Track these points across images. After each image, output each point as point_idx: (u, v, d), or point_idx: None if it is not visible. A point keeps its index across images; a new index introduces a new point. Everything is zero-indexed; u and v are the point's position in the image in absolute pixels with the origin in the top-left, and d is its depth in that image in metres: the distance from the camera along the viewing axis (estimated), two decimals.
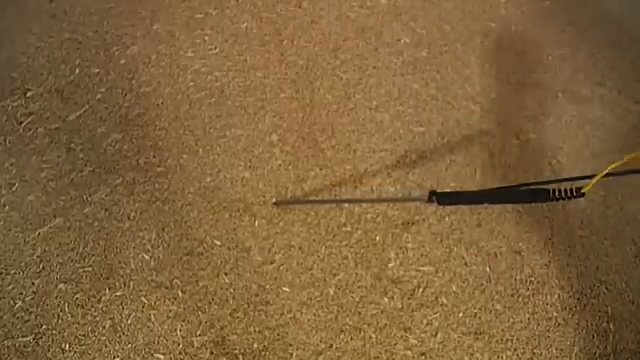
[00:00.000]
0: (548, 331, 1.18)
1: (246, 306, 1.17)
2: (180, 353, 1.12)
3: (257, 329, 1.15)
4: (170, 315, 1.16)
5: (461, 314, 1.19)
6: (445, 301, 1.20)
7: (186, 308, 1.16)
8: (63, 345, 1.12)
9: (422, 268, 1.23)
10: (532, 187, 0.80)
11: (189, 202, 1.28)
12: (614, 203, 1.33)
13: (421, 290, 1.21)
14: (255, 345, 1.14)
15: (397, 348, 1.15)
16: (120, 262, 1.20)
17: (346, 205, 1.29)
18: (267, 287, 1.19)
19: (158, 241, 1.23)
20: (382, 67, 1.49)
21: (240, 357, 1.13)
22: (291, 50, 1.51)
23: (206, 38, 1.52)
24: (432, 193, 0.91)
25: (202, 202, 1.28)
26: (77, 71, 1.44)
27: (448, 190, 1.29)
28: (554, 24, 1.61)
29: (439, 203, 0.91)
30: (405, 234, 1.26)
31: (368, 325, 1.17)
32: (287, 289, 1.19)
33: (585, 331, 1.18)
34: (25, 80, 1.42)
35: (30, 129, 1.35)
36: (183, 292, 1.18)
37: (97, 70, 1.45)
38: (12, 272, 1.18)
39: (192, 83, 1.44)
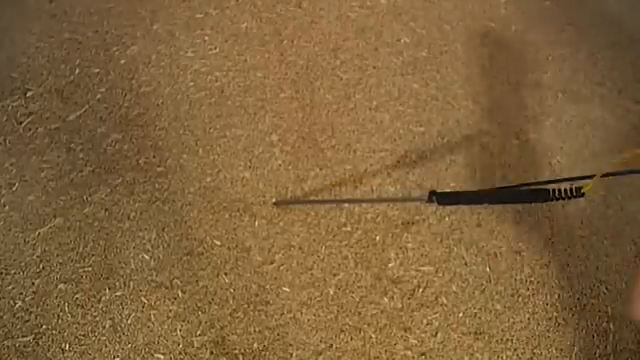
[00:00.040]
0: (548, 331, 1.18)
1: (246, 306, 1.17)
2: (180, 353, 1.12)
3: (257, 329, 1.15)
4: (170, 315, 1.16)
5: (461, 314, 1.19)
6: (445, 301, 1.20)
7: (186, 308, 1.16)
8: (63, 345, 1.12)
9: (422, 268, 1.23)
10: (532, 187, 0.80)
11: (189, 202, 1.28)
12: (614, 203, 1.33)
13: (421, 290, 1.21)
14: (255, 345, 1.14)
15: (397, 348, 1.15)
16: (120, 262, 1.20)
17: (346, 205, 1.29)
18: (267, 287, 1.19)
19: (158, 241, 1.23)
20: (382, 67, 1.49)
21: (240, 357, 1.13)
22: (291, 50, 1.51)
23: (206, 38, 1.52)
24: (432, 193, 0.91)
25: (202, 202, 1.28)
26: (77, 71, 1.44)
27: (448, 190, 1.29)
28: (554, 24, 1.61)
29: (439, 203, 0.91)
30: (405, 234, 1.26)
31: (368, 325, 1.17)
32: (287, 289, 1.19)
33: (585, 331, 1.18)
34: (25, 80, 1.42)
35: (30, 129, 1.35)
36: (183, 292, 1.18)
37: (97, 70, 1.45)
38: (12, 272, 1.18)
39: (192, 83, 1.44)
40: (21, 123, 1.36)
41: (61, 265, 1.19)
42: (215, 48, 1.50)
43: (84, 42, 1.49)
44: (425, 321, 1.17)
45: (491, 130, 1.41)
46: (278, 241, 1.24)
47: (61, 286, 1.17)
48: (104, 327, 1.14)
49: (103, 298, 1.16)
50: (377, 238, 1.26)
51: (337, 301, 1.19)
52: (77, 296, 1.16)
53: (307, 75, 1.47)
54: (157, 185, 1.30)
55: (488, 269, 1.24)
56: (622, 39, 1.58)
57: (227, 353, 1.13)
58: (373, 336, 1.16)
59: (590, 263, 1.25)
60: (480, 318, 1.18)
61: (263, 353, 1.13)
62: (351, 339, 1.15)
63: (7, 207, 1.25)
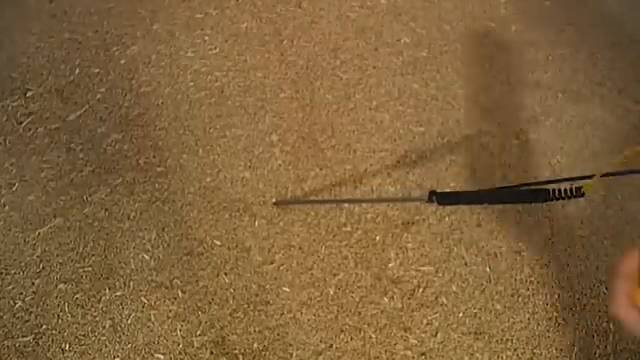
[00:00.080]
0: (548, 331, 1.18)
1: (246, 306, 1.17)
2: (180, 353, 1.12)
3: (257, 329, 1.15)
4: (170, 315, 1.16)
5: (461, 314, 1.19)
6: (445, 301, 1.20)
7: (186, 308, 1.16)
8: (63, 345, 1.12)
9: (422, 268, 1.23)
10: (532, 187, 0.80)
11: (189, 202, 1.28)
12: (614, 203, 1.33)
13: (421, 290, 1.21)
14: (255, 345, 1.14)
15: (397, 348, 1.15)
16: (120, 262, 1.20)
17: (346, 205, 1.29)
18: (267, 287, 1.19)
19: (158, 241, 1.23)
20: (382, 67, 1.49)
21: (240, 357, 1.13)
22: (291, 50, 1.51)
23: (206, 38, 1.52)
24: (432, 193, 0.91)
25: (202, 202, 1.28)
26: (77, 71, 1.44)
27: (448, 190, 1.29)
28: (554, 24, 1.61)
29: (439, 203, 0.91)
30: (405, 234, 1.26)
31: (368, 325, 1.17)
32: (287, 289, 1.19)
33: (585, 331, 1.18)
34: (25, 80, 1.42)
35: (30, 129, 1.35)
36: (183, 292, 1.18)
37: (97, 70, 1.45)
38: (12, 272, 1.18)
39: (192, 83, 1.44)
40: (21, 123, 1.36)
41: (61, 265, 1.19)
42: (215, 48, 1.50)
43: (84, 42, 1.49)
44: (425, 321, 1.17)
45: (491, 130, 1.41)
46: (278, 241, 1.24)
47: (61, 286, 1.17)
48: (104, 327, 1.14)
49: (103, 298, 1.16)
50: (377, 238, 1.26)
51: (337, 301, 1.19)
52: (77, 296, 1.16)
53: (307, 75, 1.47)
54: (157, 185, 1.30)
55: (488, 269, 1.24)
56: (622, 39, 1.58)
57: (227, 353, 1.13)
58: (373, 336, 1.16)
59: (590, 263, 1.25)
60: (480, 318, 1.18)
61: (263, 353, 1.13)
62: (351, 339, 1.15)
63: (7, 207, 1.25)
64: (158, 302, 1.17)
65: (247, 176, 1.32)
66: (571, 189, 0.73)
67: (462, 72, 1.50)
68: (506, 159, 1.37)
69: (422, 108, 1.43)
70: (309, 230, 1.26)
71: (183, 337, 1.14)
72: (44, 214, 1.25)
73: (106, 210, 1.26)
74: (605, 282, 1.23)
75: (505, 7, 1.62)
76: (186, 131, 1.37)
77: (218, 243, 1.23)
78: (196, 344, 1.13)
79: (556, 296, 1.21)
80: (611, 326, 1.19)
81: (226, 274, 1.20)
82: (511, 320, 1.19)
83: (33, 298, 1.16)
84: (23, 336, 1.12)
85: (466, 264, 1.24)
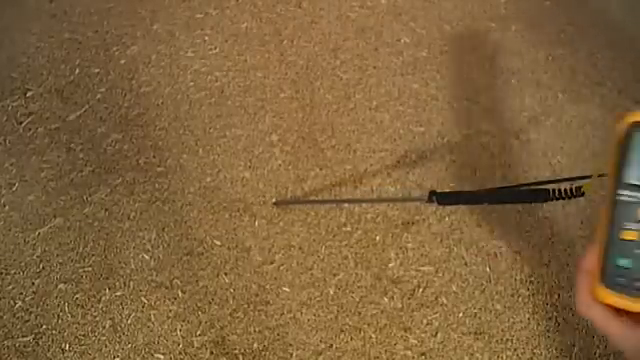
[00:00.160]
0: (548, 331, 1.18)
1: (246, 306, 1.17)
2: (180, 353, 1.12)
3: (257, 329, 1.15)
4: (170, 315, 1.16)
5: (461, 314, 1.19)
6: (445, 301, 1.20)
7: (186, 308, 1.16)
8: (63, 345, 1.12)
9: (422, 268, 1.23)
10: (532, 187, 0.80)
11: (189, 202, 1.28)
12: None
13: (421, 290, 1.21)
14: (255, 345, 1.14)
15: (397, 348, 1.15)
16: (120, 262, 1.20)
17: (346, 205, 1.29)
18: (267, 287, 1.19)
19: (158, 241, 1.23)
20: (382, 67, 1.49)
21: (240, 357, 1.13)
22: (291, 50, 1.51)
23: (206, 38, 1.52)
24: (432, 193, 0.91)
25: (202, 202, 1.28)
26: (77, 71, 1.44)
27: (448, 190, 1.29)
28: (554, 24, 1.61)
29: (439, 203, 0.91)
30: (405, 234, 1.26)
31: (368, 325, 1.17)
32: (287, 289, 1.19)
33: (585, 331, 1.18)
34: (25, 80, 1.42)
35: (30, 129, 1.35)
36: (183, 292, 1.18)
37: (97, 70, 1.45)
38: (12, 272, 1.18)
39: (192, 83, 1.44)
40: (21, 123, 1.36)
41: (61, 265, 1.19)
42: (215, 48, 1.50)
43: (84, 42, 1.49)
44: (425, 321, 1.17)
45: (491, 130, 1.41)
46: (278, 241, 1.24)
47: (61, 286, 1.17)
48: (104, 327, 1.14)
49: (103, 298, 1.16)
50: (377, 238, 1.26)
51: (337, 301, 1.19)
52: (77, 296, 1.16)
53: (307, 75, 1.47)
54: (157, 185, 1.30)
55: (488, 269, 1.24)
56: (622, 39, 1.58)
57: (227, 353, 1.13)
58: (373, 336, 1.16)
59: None
60: (480, 318, 1.18)
61: (263, 353, 1.13)
62: (351, 339, 1.15)
63: (7, 207, 1.25)
64: (158, 302, 1.17)
65: (247, 176, 1.32)
66: (571, 189, 0.73)
67: (462, 72, 1.50)
68: (506, 159, 1.37)
69: (422, 108, 1.43)
70: (309, 230, 1.26)
71: (183, 337, 1.14)
72: (44, 214, 1.25)
73: (106, 210, 1.26)
74: None
75: (505, 7, 1.62)
76: (186, 131, 1.37)
77: (218, 243, 1.23)
78: (196, 344, 1.13)
79: (556, 296, 1.21)
80: None
81: (226, 274, 1.20)
82: (511, 320, 1.19)
83: (33, 298, 1.16)
84: (23, 336, 1.12)
85: (466, 264, 1.24)
